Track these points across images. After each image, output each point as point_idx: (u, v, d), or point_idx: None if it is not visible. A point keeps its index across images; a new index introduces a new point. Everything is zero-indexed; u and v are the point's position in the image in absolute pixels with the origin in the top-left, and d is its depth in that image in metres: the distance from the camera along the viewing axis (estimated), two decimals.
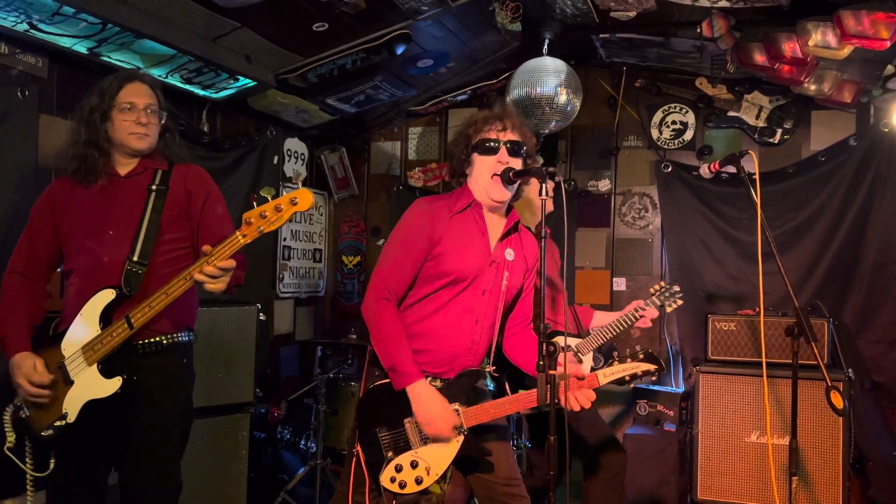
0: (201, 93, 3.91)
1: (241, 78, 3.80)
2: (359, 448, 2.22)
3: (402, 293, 2.28)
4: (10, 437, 2.22)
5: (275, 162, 4.74)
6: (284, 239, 4.96)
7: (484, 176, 2.29)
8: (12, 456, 2.22)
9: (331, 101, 4.48)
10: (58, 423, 2.16)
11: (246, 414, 3.65)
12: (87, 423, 2.18)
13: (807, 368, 3.28)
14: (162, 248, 2.28)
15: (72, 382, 2.17)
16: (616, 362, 2.21)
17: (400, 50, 3.87)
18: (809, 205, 4.27)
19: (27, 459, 2.23)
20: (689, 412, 3.85)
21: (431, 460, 2.20)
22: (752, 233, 4.34)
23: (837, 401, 2.25)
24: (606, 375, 2.19)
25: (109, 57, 3.30)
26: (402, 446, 2.21)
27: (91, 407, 2.16)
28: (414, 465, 2.20)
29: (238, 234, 2.05)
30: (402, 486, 2.19)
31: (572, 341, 2.94)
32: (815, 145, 4.38)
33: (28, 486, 2.28)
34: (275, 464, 4.34)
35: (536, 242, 2.42)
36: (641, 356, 2.21)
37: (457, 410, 2.22)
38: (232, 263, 2.08)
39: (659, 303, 3.08)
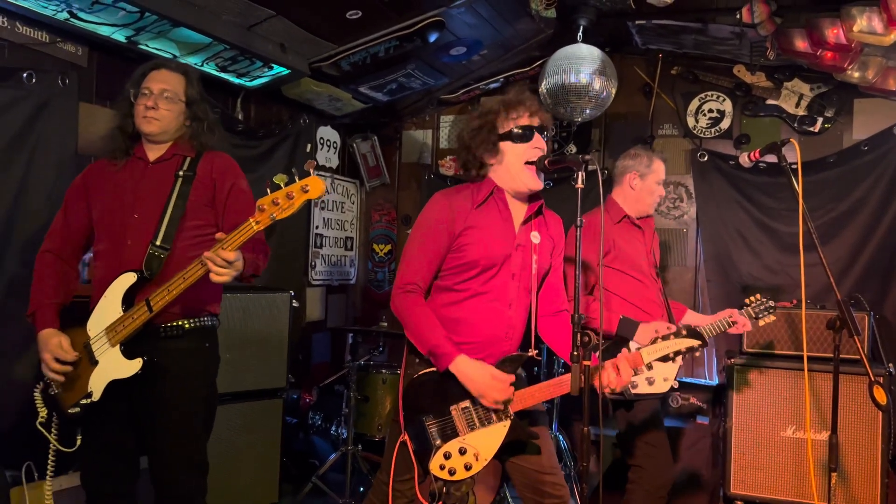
0: (236, 81, 3.94)
1: (275, 66, 3.82)
2: (406, 437, 2.21)
3: (427, 284, 2.28)
4: (43, 412, 2.28)
5: (308, 150, 4.77)
6: (317, 227, 5.00)
7: (516, 164, 2.26)
8: (43, 430, 2.28)
9: (363, 90, 4.48)
10: (84, 402, 2.21)
11: (279, 399, 3.69)
12: (111, 403, 2.22)
13: (845, 362, 3.20)
14: (186, 234, 2.31)
15: (97, 362, 2.22)
16: (659, 339, 2.18)
17: (433, 38, 3.85)
18: (850, 195, 4.16)
19: (52, 433, 2.29)
20: (723, 405, 3.79)
21: (479, 446, 2.19)
22: (790, 223, 4.26)
23: (881, 396, 2.20)
24: (650, 353, 2.17)
25: (147, 45, 3.34)
26: (450, 433, 2.19)
27: (115, 387, 2.20)
28: (462, 451, 2.19)
29: (251, 220, 2.05)
30: (452, 472, 2.18)
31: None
32: (858, 134, 4.26)
33: (50, 464, 2.35)
34: (306, 449, 4.38)
35: (560, 221, 2.45)
36: (685, 332, 2.18)
37: None
38: (234, 256, 2.06)
39: (753, 315, 3.05)
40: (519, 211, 2.33)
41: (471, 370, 2.14)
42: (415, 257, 2.26)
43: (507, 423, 2.20)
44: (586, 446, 1.93)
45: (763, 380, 3.68)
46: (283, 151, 4.45)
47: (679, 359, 2.30)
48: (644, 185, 3.13)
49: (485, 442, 2.19)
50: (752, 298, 3.10)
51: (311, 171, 1.98)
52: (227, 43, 3.45)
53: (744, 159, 2.72)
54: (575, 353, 1.95)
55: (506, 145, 2.27)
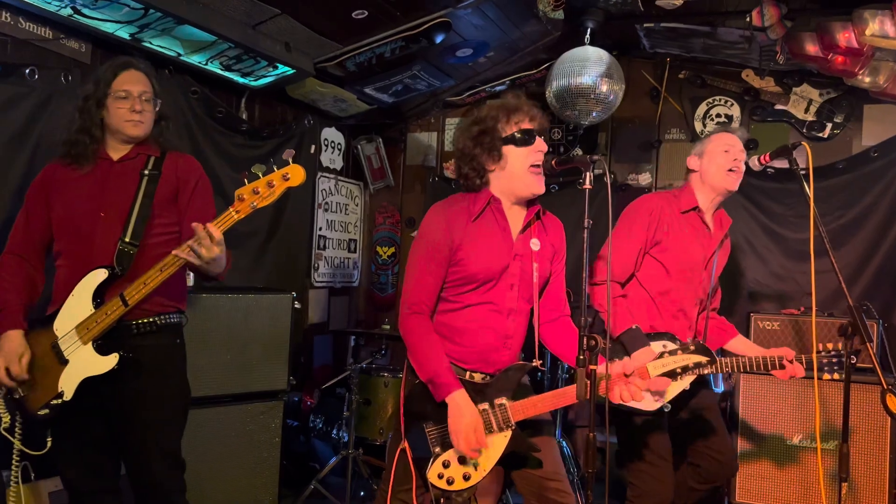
0: (240, 80, 3.91)
1: (280, 66, 3.79)
2: (406, 444, 2.17)
3: (433, 303, 2.26)
4: (6, 419, 2.25)
5: (312, 151, 4.74)
6: (320, 228, 4.96)
7: (520, 169, 2.22)
8: (9, 436, 2.25)
9: (368, 91, 4.45)
10: (54, 402, 2.18)
11: (279, 402, 3.65)
12: (84, 403, 2.20)
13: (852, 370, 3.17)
14: (153, 231, 2.31)
15: (66, 362, 2.20)
16: (667, 354, 2.12)
17: (439, 38, 3.82)
18: (860, 202, 4.12)
19: (16, 437, 2.26)
20: (729, 413, 3.75)
21: (480, 456, 2.15)
22: (797, 230, 4.22)
23: (894, 404, 2.15)
24: (657, 367, 2.10)
25: (151, 43, 3.31)
26: (450, 442, 2.14)
27: (87, 385, 2.18)
28: (462, 461, 2.15)
29: (231, 209, 2.06)
30: (450, 482, 2.14)
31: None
32: (867, 140, 4.21)
33: (13, 464, 2.32)
34: (307, 452, 4.34)
35: (561, 226, 2.41)
36: (692, 348, 2.12)
37: (503, 405, 2.18)
38: (221, 236, 2.07)
39: (820, 366, 2.58)
40: (517, 218, 2.30)
41: (464, 408, 2.10)
42: (418, 276, 2.23)
43: (509, 433, 2.17)
44: (592, 453, 1.88)
45: (769, 388, 3.63)
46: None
47: (686, 377, 2.24)
48: (705, 160, 2.81)
49: (485, 452, 2.15)
50: (821, 348, 2.62)
51: (290, 160, 2.00)
52: (232, 41, 3.42)
53: (754, 162, 2.68)
54: (581, 357, 1.91)
55: (508, 149, 2.23)
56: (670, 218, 2.79)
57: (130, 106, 2.30)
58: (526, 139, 2.21)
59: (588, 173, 2.00)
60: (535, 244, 2.28)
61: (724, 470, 2.93)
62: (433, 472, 2.14)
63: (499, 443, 2.16)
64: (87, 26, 3.09)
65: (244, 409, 3.49)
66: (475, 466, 2.15)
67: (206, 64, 3.62)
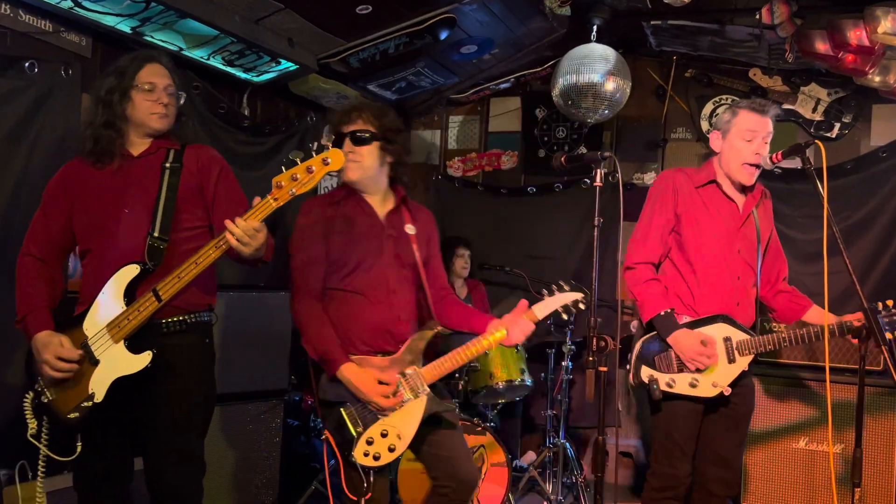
0: (243, 76, 3.87)
1: (282, 61, 3.75)
2: (327, 433, 2.28)
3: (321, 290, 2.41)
4: (32, 424, 2.18)
5: (314, 148, 4.68)
6: None
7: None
8: (36, 443, 2.19)
9: (372, 88, 4.42)
10: (85, 404, 2.12)
11: (280, 401, 3.62)
12: (113, 404, 2.15)
13: (851, 373, 3.15)
14: (180, 225, 2.27)
15: (97, 362, 2.14)
16: (546, 296, 2.32)
17: (444, 35, 3.78)
18: (868, 203, 4.08)
19: (42, 443, 2.19)
20: None
21: (401, 426, 2.26)
22: (805, 231, 4.17)
23: None
24: (540, 310, 2.30)
25: (152, 37, 3.27)
26: (370, 418, 2.26)
27: (118, 386, 2.13)
28: (384, 434, 2.25)
29: (269, 197, 2.01)
30: (377, 457, 2.24)
31: (737, 335, 2.60)
32: (876, 141, 4.18)
33: (40, 469, 2.26)
34: (308, 452, 4.30)
35: (428, 214, 2.62)
36: (567, 288, 2.31)
37: (412, 373, 2.32)
38: (258, 225, 2.04)
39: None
40: (380, 205, 2.49)
41: (355, 377, 2.24)
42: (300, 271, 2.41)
43: (424, 398, 2.30)
44: (601, 457, 1.85)
45: (775, 390, 3.59)
46: (289, 149, 4.38)
47: (741, 359, 2.44)
48: (726, 144, 2.63)
49: (404, 420, 2.27)
50: (881, 306, 2.45)
51: (328, 144, 1.97)
52: (234, 36, 3.38)
53: (765, 161, 2.62)
54: (591, 358, 1.87)
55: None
56: (686, 192, 2.69)
57: (156, 98, 2.27)
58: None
59: (599, 170, 1.96)
60: (410, 228, 2.49)
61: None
62: (359, 452, 2.24)
63: (416, 409, 2.29)
64: (87, 19, 3.04)
65: (244, 408, 3.45)
66: (399, 436, 2.25)
67: (209, 59, 3.58)
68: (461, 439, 2.48)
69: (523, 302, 2.35)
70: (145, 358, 2.12)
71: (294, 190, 1.99)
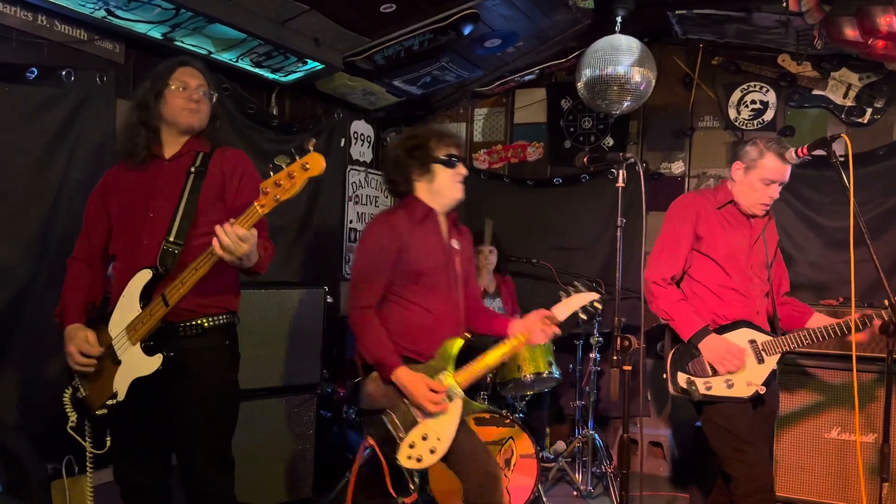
0: (270, 76, 3.94)
1: (309, 61, 3.81)
2: (370, 439, 2.41)
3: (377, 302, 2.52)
4: (73, 417, 2.30)
5: (342, 145, 4.76)
6: (350, 221, 4.99)
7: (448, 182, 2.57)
8: (75, 434, 2.31)
9: (397, 83, 4.45)
10: (110, 402, 2.22)
11: (313, 395, 3.70)
12: (136, 402, 2.23)
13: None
14: (199, 231, 2.28)
15: (119, 362, 2.23)
16: (563, 296, 2.44)
17: (467, 30, 3.80)
18: None
19: (87, 437, 2.32)
20: None
21: (440, 429, 2.36)
22: (836, 218, 4.12)
23: None
24: (561, 310, 2.42)
25: (182, 42, 3.35)
26: (411, 423, 2.37)
27: (138, 386, 2.21)
28: (425, 437, 2.36)
29: (256, 204, 2.01)
30: (419, 460, 2.35)
31: (760, 337, 2.74)
32: None
33: (88, 464, 2.38)
34: (341, 443, 4.39)
35: (468, 232, 2.75)
36: (583, 288, 2.44)
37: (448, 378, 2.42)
38: (245, 232, 2.02)
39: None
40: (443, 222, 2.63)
41: (409, 381, 2.35)
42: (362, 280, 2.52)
43: (459, 401, 2.40)
44: (627, 453, 1.88)
45: (807, 380, 3.57)
46: (317, 147, 4.39)
47: (770, 359, 2.54)
48: (746, 179, 2.75)
49: (443, 424, 2.37)
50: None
51: (311, 147, 1.95)
52: (262, 38, 3.44)
53: (791, 155, 2.61)
54: (615, 357, 1.91)
55: (438, 168, 2.53)
56: (707, 213, 2.81)
57: (188, 95, 2.33)
58: (449, 162, 2.53)
59: (621, 171, 1.98)
60: (456, 244, 2.63)
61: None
62: (403, 455, 2.35)
63: (453, 412, 2.39)
64: (120, 27, 3.13)
65: (278, 402, 3.54)
66: (438, 439, 2.35)
67: (237, 61, 3.65)
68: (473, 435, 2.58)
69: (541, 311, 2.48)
70: (157, 360, 2.19)
71: (278, 196, 1.97)
